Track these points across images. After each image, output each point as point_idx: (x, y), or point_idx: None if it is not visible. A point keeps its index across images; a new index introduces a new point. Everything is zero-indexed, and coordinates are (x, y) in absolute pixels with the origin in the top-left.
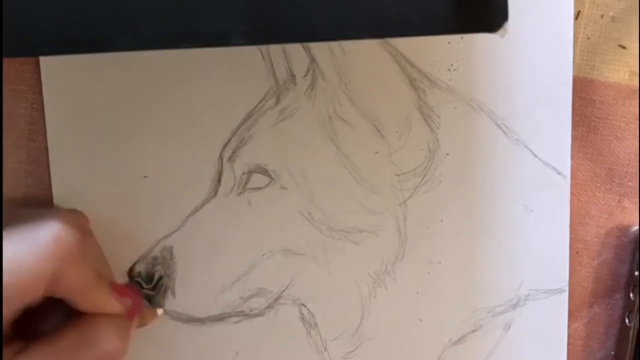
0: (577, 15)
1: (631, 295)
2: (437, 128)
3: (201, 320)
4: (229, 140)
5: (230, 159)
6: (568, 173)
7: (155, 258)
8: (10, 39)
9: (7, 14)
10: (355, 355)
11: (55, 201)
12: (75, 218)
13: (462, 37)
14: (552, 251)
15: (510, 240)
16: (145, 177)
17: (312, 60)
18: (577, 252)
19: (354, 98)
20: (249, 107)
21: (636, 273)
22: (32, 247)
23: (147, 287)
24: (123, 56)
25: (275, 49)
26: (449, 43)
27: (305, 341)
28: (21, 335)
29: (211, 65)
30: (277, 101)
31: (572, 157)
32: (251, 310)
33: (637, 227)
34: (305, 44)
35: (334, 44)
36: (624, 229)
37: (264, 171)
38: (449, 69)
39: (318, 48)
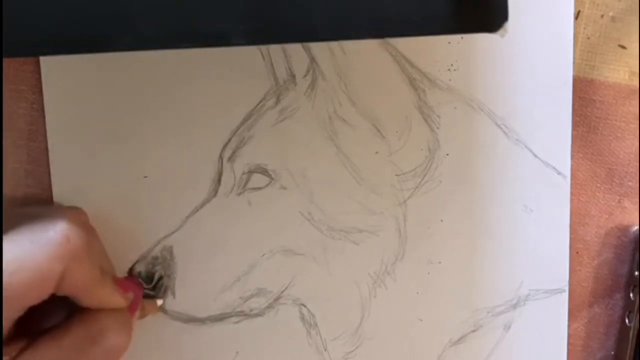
0: (577, 15)
1: (631, 295)
2: (437, 128)
3: (201, 320)
4: (229, 140)
5: (230, 159)
6: (568, 173)
7: (155, 258)
8: (10, 39)
9: (7, 14)
10: (355, 355)
11: (55, 201)
12: (78, 215)
13: (462, 37)
14: (552, 251)
15: (510, 240)
16: (145, 177)
17: (312, 60)
18: (577, 252)
19: (354, 98)
20: (249, 107)
21: (636, 273)
22: (42, 248)
23: (147, 287)
24: (123, 56)
25: (275, 49)
26: (449, 43)
27: (305, 341)
28: (25, 333)
29: (211, 65)
30: (277, 101)
31: (572, 157)
32: (251, 310)
33: (637, 227)
34: (305, 44)
35: (334, 44)
36: (624, 229)
37: (264, 171)
38: (449, 69)
39: (318, 48)
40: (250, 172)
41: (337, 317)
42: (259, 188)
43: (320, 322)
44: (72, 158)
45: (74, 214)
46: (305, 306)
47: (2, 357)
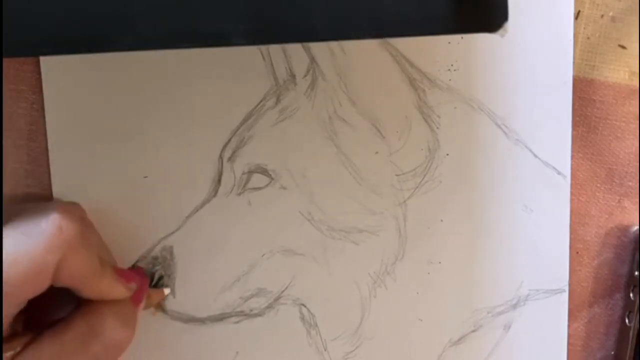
0: (577, 15)
1: (631, 295)
2: (437, 128)
3: (201, 320)
4: (229, 140)
5: (230, 159)
6: (568, 173)
7: (155, 258)
8: (10, 39)
9: (7, 14)
10: (355, 355)
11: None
12: (72, 207)
13: (462, 37)
14: (552, 251)
15: (510, 240)
16: (145, 177)
17: (312, 60)
18: (577, 252)
19: (354, 98)
20: (249, 107)
21: (636, 273)
22: (35, 240)
23: None
24: (123, 56)
25: (275, 49)
26: (449, 43)
27: (305, 341)
28: (30, 327)
29: (211, 65)
30: (277, 101)
31: (572, 157)
32: (251, 310)
33: (637, 227)
34: (305, 44)
35: (334, 44)
36: (624, 229)
37: (264, 171)
38: (449, 69)
39: (318, 48)
40: (250, 172)
41: (337, 317)
42: (259, 188)
43: (320, 322)
44: (72, 158)
45: (68, 206)
46: (305, 306)
47: (1, 356)
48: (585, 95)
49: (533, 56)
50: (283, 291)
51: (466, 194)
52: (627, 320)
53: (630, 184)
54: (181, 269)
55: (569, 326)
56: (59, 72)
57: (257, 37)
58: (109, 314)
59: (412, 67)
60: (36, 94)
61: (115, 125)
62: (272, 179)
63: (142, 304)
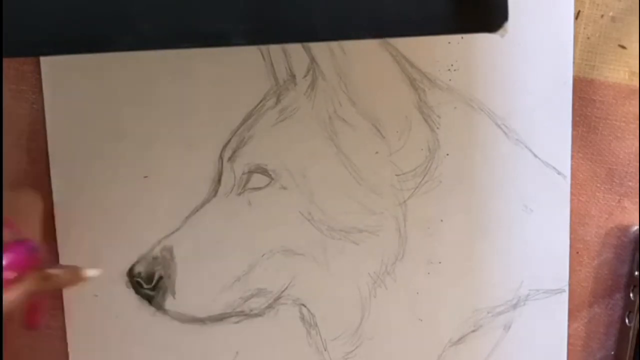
0: (577, 15)
1: (631, 295)
2: (437, 128)
3: (201, 320)
4: (229, 140)
5: (230, 159)
6: (568, 173)
7: (155, 258)
8: (10, 39)
9: (7, 14)
10: (355, 355)
11: (55, 201)
12: None
13: (462, 37)
14: (552, 251)
15: (511, 240)
16: (145, 177)
17: (312, 60)
18: (577, 252)
19: (354, 98)
20: (249, 107)
21: (636, 273)
22: None
23: (147, 287)
24: (123, 56)
25: (275, 49)
26: (449, 43)
27: (305, 341)
28: None
29: (211, 65)
30: (277, 101)
31: (572, 157)
32: (251, 310)
33: (637, 227)
34: (305, 44)
35: (334, 44)
36: (624, 229)
37: (264, 171)
38: (449, 69)
39: (318, 48)
40: (250, 172)
41: (337, 317)
42: (259, 188)
43: (320, 322)
44: (72, 158)
45: None
46: (305, 306)
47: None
48: (585, 95)
49: (533, 56)
50: (283, 291)
51: (466, 194)
52: (627, 320)
53: (630, 184)
54: (181, 269)
55: (569, 326)
56: (59, 72)
57: (257, 37)
58: None
59: (412, 67)
60: (36, 94)
61: (115, 125)
62: (272, 179)
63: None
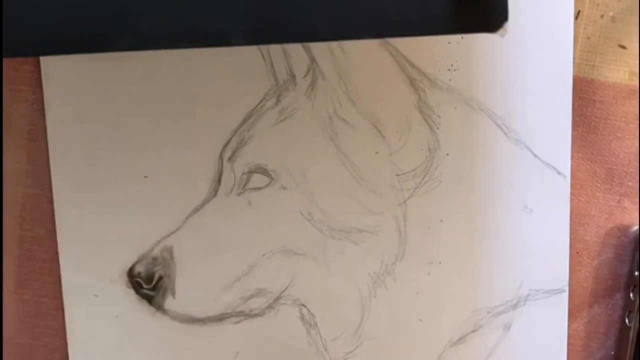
0: (577, 15)
1: (631, 295)
2: (437, 128)
3: (201, 321)
4: (229, 140)
5: (230, 159)
6: (568, 173)
7: (155, 258)
8: (10, 39)
9: (7, 14)
10: (355, 355)
11: (55, 201)
12: None
13: (462, 37)
14: (552, 251)
15: (511, 240)
16: (145, 177)
17: (312, 60)
18: (577, 252)
19: (354, 98)
20: (249, 107)
21: (636, 273)
22: None
23: (147, 287)
24: (123, 56)
25: (275, 49)
26: (449, 43)
27: (305, 341)
28: None
29: (211, 65)
30: (277, 101)
31: (572, 157)
32: (251, 310)
33: (637, 227)
34: (305, 44)
35: (334, 44)
36: (624, 229)
37: (264, 171)
38: (449, 69)
39: (318, 48)
40: (250, 172)
41: (337, 317)
42: (259, 188)
43: (320, 322)
44: (72, 158)
45: None
46: (305, 306)
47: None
48: (585, 95)
49: (533, 56)
50: (283, 291)
51: (466, 194)
52: (627, 320)
53: (630, 184)
54: (181, 269)
55: (569, 326)
56: (59, 72)
57: (257, 37)
58: None
59: (412, 67)
60: (36, 94)
61: (115, 125)
62: (272, 179)
63: None
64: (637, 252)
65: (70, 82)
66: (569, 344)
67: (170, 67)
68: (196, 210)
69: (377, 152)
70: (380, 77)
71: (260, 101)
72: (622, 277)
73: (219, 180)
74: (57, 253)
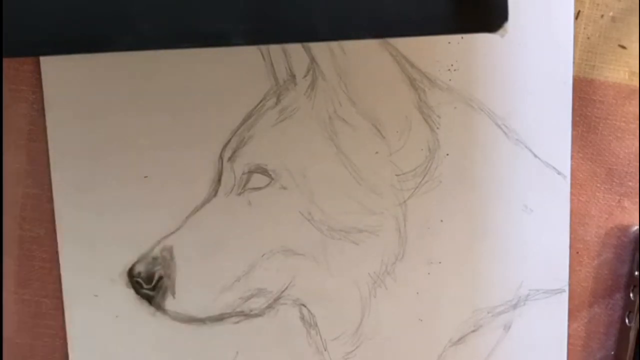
0: (577, 15)
1: (631, 295)
2: (437, 128)
3: (201, 320)
4: (229, 140)
5: (230, 159)
6: (568, 173)
7: (155, 258)
8: (10, 39)
9: (7, 14)
10: (355, 355)
11: (55, 201)
12: None
13: (462, 37)
14: (552, 251)
15: (511, 240)
16: (145, 177)
17: (312, 60)
18: (577, 252)
19: (354, 98)
20: (249, 107)
21: (636, 273)
22: None
23: (147, 287)
24: (123, 56)
25: (275, 49)
26: (449, 43)
27: (305, 341)
28: None
29: (211, 65)
30: (277, 101)
31: (572, 157)
32: (251, 310)
33: (637, 227)
34: (305, 44)
35: (334, 44)
36: (624, 229)
37: (264, 171)
38: (449, 69)
39: (318, 48)
40: (250, 172)
41: (337, 317)
42: (259, 188)
43: (320, 322)
44: (72, 158)
45: None
46: (305, 306)
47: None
48: (585, 95)
49: (533, 56)
50: (283, 291)
51: (466, 194)
52: (627, 320)
53: (630, 184)
54: (181, 269)
55: (569, 326)
56: (59, 72)
57: (257, 37)
58: None
59: (412, 67)
60: (36, 94)
61: (115, 125)
62: (272, 179)
63: None
64: (637, 252)
65: (70, 82)
66: (569, 344)
67: (170, 67)
68: (196, 210)
69: (377, 152)
70: (380, 77)
71: (260, 101)
72: (622, 277)
73: (219, 180)
74: (57, 253)
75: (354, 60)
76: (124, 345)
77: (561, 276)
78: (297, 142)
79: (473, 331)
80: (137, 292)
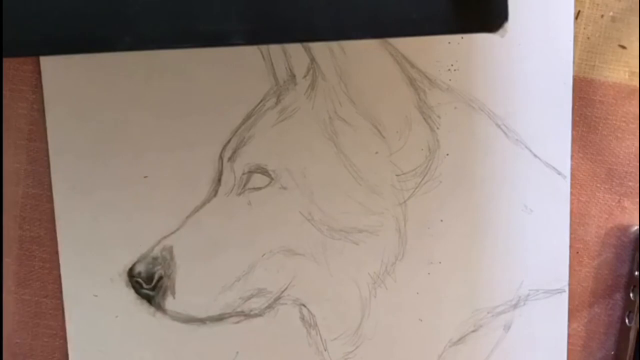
0: (577, 15)
1: (631, 295)
2: (437, 128)
3: (201, 320)
4: (229, 140)
5: (230, 159)
6: (568, 173)
7: (155, 258)
8: (10, 39)
9: (7, 13)
10: (355, 355)
11: (55, 201)
12: None
13: (462, 37)
14: (552, 251)
15: (511, 241)
16: (145, 177)
17: (312, 60)
18: (577, 252)
19: (354, 98)
20: (249, 107)
21: (636, 273)
22: None
23: (147, 287)
24: (123, 56)
25: (275, 49)
26: (449, 43)
27: (305, 341)
28: None
29: (211, 65)
30: (277, 101)
31: (572, 157)
32: (251, 310)
33: (637, 227)
34: (305, 44)
35: (334, 44)
36: (624, 229)
37: (264, 171)
38: (449, 69)
39: (318, 48)
40: (250, 172)
41: (337, 317)
42: (259, 188)
43: (320, 322)
44: (72, 158)
45: None
46: (305, 306)
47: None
48: (585, 95)
49: (533, 56)
50: (283, 291)
51: (466, 194)
52: (627, 320)
53: (630, 184)
54: (181, 269)
55: (569, 326)
56: (59, 72)
57: (257, 37)
58: None
59: (412, 67)
60: (36, 94)
61: (115, 125)
62: (272, 179)
63: None
64: (637, 252)
65: (70, 82)
66: (569, 344)
67: (171, 67)
68: (196, 210)
69: (377, 152)
70: (380, 77)
71: (260, 101)
72: (622, 277)
73: (219, 180)
74: (57, 253)
75: (354, 60)
76: (124, 345)
77: (561, 276)
78: (297, 142)
79: (473, 331)
80: (137, 292)
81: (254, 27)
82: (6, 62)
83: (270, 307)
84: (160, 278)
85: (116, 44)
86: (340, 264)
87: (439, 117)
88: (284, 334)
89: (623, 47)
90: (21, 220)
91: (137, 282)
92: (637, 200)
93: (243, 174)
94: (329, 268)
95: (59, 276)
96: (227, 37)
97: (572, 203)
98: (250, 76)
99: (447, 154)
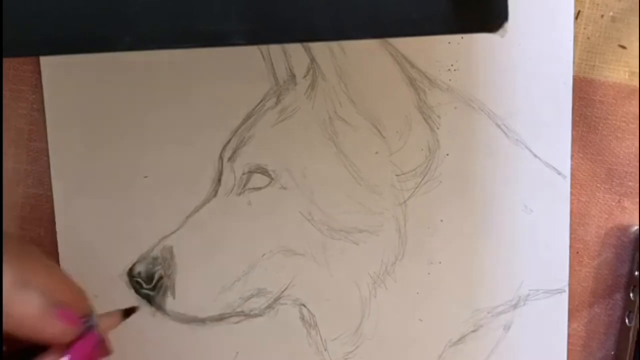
0: (577, 15)
1: (631, 295)
2: (437, 128)
3: (201, 321)
4: (229, 140)
5: (230, 159)
6: (568, 173)
7: (155, 258)
8: (10, 39)
9: (7, 13)
10: (355, 355)
11: (55, 201)
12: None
13: (462, 37)
14: (552, 251)
15: (511, 241)
16: (145, 177)
17: (312, 60)
18: (577, 252)
19: (354, 98)
20: (249, 107)
21: (636, 273)
22: None
23: (147, 287)
24: (123, 56)
25: (275, 49)
26: (449, 43)
27: (305, 341)
28: None
29: (211, 65)
30: (277, 101)
31: (572, 157)
32: (251, 310)
33: (637, 227)
34: (305, 44)
35: (334, 44)
36: (624, 229)
37: (264, 171)
38: (449, 69)
39: (318, 48)
40: (251, 172)
41: (337, 317)
42: (259, 188)
43: (320, 322)
44: (72, 158)
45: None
46: (305, 306)
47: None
48: (585, 95)
49: (533, 56)
50: (283, 291)
51: (466, 194)
52: (627, 320)
53: (630, 184)
54: (181, 269)
55: (569, 326)
56: (59, 72)
57: (257, 37)
58: None
59: (412, 67)
60: (36, 94)
61: (115, 125)
62: (272, 179)
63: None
64: (637, 252)
65: (70, 82)
66: (569, 344)
67: (171, 67)
68: (196, 210)
69: (377, 152)
70: (380, 77)
71: (260, 101)
72: (622, 277)
73: (219, 180)
74: (57, 253)
75: (354, 60)
76: (124, 345)
77: (561, 276)
78: (297, 142)
79: (473, 331)
80: (137, 292)
81: (254, 27)
82: (6, 62)
83: (270, 307)
84: (160, 278)
85: (116, 44)
86: (340, 264)
87: (439, 117)
88: (284, 334)
89: (623, 47)
90: (21, 220)
91: (137, 282)
92: (637, 200)
93: (243, 174)
94: (329, 268)
95: None
96: (227, 37)
97: (572, 203)
98: (250, 76)
99: (447, 154)
